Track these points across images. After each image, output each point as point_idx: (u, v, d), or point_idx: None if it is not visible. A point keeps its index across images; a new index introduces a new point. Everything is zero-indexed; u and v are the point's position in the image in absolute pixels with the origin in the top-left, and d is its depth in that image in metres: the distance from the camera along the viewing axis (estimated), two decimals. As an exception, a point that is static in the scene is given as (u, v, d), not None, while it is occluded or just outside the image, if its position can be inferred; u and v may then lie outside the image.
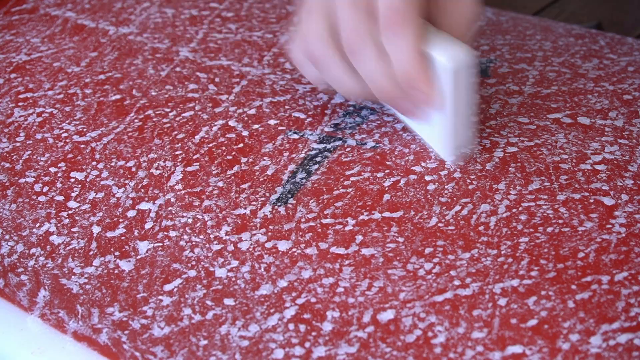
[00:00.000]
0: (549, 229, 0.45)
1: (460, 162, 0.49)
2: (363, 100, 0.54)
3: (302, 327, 0.41)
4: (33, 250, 0.47)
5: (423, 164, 0.50)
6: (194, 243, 0.46)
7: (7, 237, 0.49)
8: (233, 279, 0.44)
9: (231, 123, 0.55)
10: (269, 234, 0.46)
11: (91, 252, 0.47)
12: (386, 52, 0.46)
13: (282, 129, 0.54)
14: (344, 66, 0.48)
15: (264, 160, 0.51)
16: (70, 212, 0.49)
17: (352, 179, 0.49)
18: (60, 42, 0.65)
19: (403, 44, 0.45)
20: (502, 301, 0.41)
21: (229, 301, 0.43)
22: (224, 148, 0.53)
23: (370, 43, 0.46)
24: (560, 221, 0.46)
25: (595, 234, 0.45)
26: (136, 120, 0.56)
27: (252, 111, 0.56)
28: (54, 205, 0.50)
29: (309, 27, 0.48)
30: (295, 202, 0.48)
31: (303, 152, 0.52)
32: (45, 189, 0.51)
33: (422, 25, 0.46)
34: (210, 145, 0.53)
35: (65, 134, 0.55)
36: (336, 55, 0.48)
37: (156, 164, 0.52)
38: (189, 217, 0.48)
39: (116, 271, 0.45)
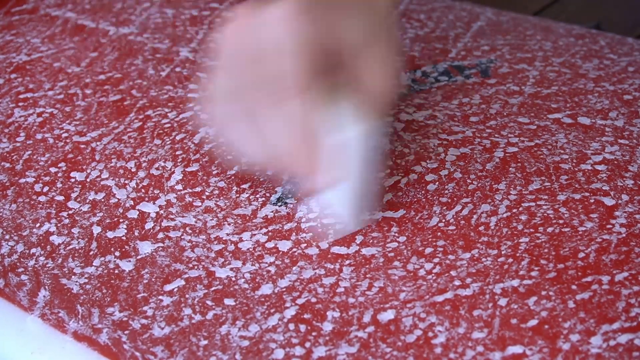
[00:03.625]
0: (549, 229, 0.45)
1: (357, 227, 0.46)
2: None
3: (302, 327, 0.41)
4: (33, 250, 0.47)
5: (423, 164, 0.50)
6: (194, 243, 0.46)
7: (7, 237, 0.49)
8: (233, 279, 0.44)
9: (231, 123, 0.55)
10: (270, 234, 0.46)
11: (91, 252, 0.47)
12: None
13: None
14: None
15: (264, 160, 0.51)
16: (70, 212, 0.49)
17: (352, 179, 0.49)
18: (60, 42, 0.65)
19: (287, 115, 0.42)
20: (503, 301, 0.41)
21: (229, 301, 0.43)
22: (224, 148, 0.53)
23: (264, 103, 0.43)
24: (561, 221, 0.46)
25: (596, 234, 0.45)
26: (136, 121, 0.56)
27: (253, 111, 0.56)
28: (54, 205, 0.50)
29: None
30: (295, 202, 0.48)
31: (303, 152, 0.52)
32: (46, 189, 0.51)
33: (317, 92, 0.42)
34: (211, 145, 0.53)
35: (66, 134, 0.55)
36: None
37: (156, 164, 0.52)
38: (190, 217, 0.48)
39: (116, 271, 0.45)
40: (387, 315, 0.41)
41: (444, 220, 0.46)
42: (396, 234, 0.45)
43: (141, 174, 0.51)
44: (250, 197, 0.49)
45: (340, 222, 0.46)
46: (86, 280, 0.45)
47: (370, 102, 0.44)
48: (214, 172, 0.51)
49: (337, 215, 0.46)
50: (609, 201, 0.47)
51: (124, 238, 0.47)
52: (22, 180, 0.52)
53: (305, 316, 0.42)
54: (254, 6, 0.43)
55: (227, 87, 0.44)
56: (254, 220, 0.47)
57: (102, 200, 0.50)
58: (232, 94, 0.44)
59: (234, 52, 0.44)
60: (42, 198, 0.51)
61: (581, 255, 0.43)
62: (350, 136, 0.44)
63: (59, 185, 0.51)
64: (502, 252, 0.44)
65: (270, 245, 0.46)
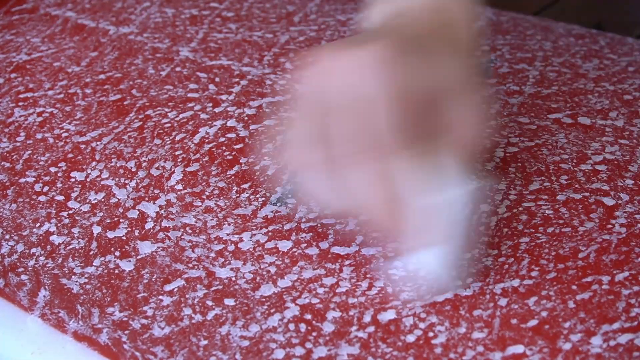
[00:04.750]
0: (550, 229, 0.45)
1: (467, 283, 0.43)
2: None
3: (302, 327, 0.41)
4: (33, 250, 0.47)
5: (423, 164, 0.50)
6: (194, 243, 0.46)
7: (7, 237, 0.49)
8: (234, 279, 0.44)
9: (231, 123, 0.55)
10: (270, 234, 0.46)
11: (91, 252, 0.47)
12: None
13: (282, 129, 0.54)
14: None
15: (264, 160, 0.51)
16: (70, 212, 0.49)
17: (352, 179, 0.49)
18: (60, 41, 0.65)
19: (378, 172, 0.39)
20: (503, 301, 0.41)
21: (229, 301, 0.43)
22: (224, 148, 0.53)
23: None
24: (561, 221, 0.46)
25: (596, 234, 0.45)
26: (136, 120, 0.56)
27: (252, 111, 0.56)
28: (54, 205, 0.50)
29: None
30: (295, 202, 0.48)
31: (303, 152, 0.52)
32: (46, 188, 0.51)
33: (409, 147, 0.39)
34: (210, 145, 0.53)
35: (66, 134, 0.55)
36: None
37: (156, 164, 0.52)
38: (190, 217, 0.48)
39: (116, 271, 0.45)
40: (388, 315, 0.41)
41: (444, 220, 0.46)
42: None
43: (141, 173, 0.51)
44: (250, 197, 0.49)
45: (436, 283, 0.43)
46: (86, 280, 0.45)
47: (459, 151, 0.41)
48: (214, 172, 0.51)
49: (431, 275, 0.43)
50: (609, 201, 0.47)
51: (124, 238, 0.47)
52: (22, 180, 0.52)
53: (306, 316, 0.42)
54: (340, 48, 0.39)
55: (308, 133, 0.40)
56: (254, 220, 0.47)
57: (102, 200, 0.50)
58: (313, 142, 0.39)
59: (317, 98, 0.39)
60: (42, 198, 0.51)
61: (581, 255, 0.43)
62: (445, 198, 0.40)
63: (59, 185, 0.51)
64: (503, 252, 0.44)
65: (270, 245, 0.46)
